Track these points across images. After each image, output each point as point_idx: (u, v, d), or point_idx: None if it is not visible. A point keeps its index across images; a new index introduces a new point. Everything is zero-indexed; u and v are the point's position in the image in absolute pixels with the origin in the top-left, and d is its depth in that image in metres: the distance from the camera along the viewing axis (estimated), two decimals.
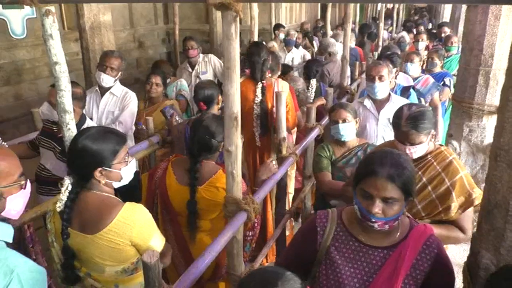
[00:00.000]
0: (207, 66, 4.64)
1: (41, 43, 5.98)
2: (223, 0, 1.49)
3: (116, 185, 1.75)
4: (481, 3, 3.10)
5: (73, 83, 2.42)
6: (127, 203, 1.70)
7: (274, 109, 3.34)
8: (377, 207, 1.40)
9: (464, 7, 6.45)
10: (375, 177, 1.41)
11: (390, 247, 1.47)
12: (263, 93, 3.42)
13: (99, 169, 1.66)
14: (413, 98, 3.65)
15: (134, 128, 3.51)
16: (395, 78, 3.96)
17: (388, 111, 3.07)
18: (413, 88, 3.83)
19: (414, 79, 4.34)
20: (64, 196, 1.66)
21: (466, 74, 3.30)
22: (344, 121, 2.72)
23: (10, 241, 1.33)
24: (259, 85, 3.42)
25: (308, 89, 4.38)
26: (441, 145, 2.20)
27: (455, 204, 1.99)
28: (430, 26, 11.56)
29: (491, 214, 1.53)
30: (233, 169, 1.80)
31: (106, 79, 3.32)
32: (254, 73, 3.46)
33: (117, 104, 3.40)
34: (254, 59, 3.43)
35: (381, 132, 3.13)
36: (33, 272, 1.26)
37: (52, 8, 1.84)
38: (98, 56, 4.52)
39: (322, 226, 1.56)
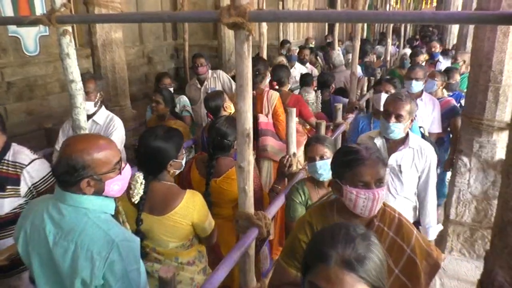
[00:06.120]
0: (216, 82, 4.68)
1: (53, 60, 6.14)
2: (236, 20, 1.52)
3: (176, 173, 2.14)
4: (488, 24, 3.11)
5: None
6: (188, 191, 2.06)
7: (261, 117, 3.58)
8: None
9: None
10: (326, 264, 0.98)
11: None
12: (253, 102, 3.56)
13: (170, 161, 2.04)
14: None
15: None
16: None
17: (401, 157, 2.52)
18: None
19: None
20: (141, 190, 1.95)
21: (475, 90, 3.30)
22: (322, 157, 2.31)
23: (113, 213, 1.61)
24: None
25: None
26: None
27: (423, 275, 1.64)
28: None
29: (504, 232, 1.51)
30: (245, 185, 1.81)
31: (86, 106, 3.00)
32: None
33: (100, 133, 3.04)
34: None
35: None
36: (129, 241, 1.51)
37: (69, 28, 1.89)
38: (110, 72, 4.62)
39: None
